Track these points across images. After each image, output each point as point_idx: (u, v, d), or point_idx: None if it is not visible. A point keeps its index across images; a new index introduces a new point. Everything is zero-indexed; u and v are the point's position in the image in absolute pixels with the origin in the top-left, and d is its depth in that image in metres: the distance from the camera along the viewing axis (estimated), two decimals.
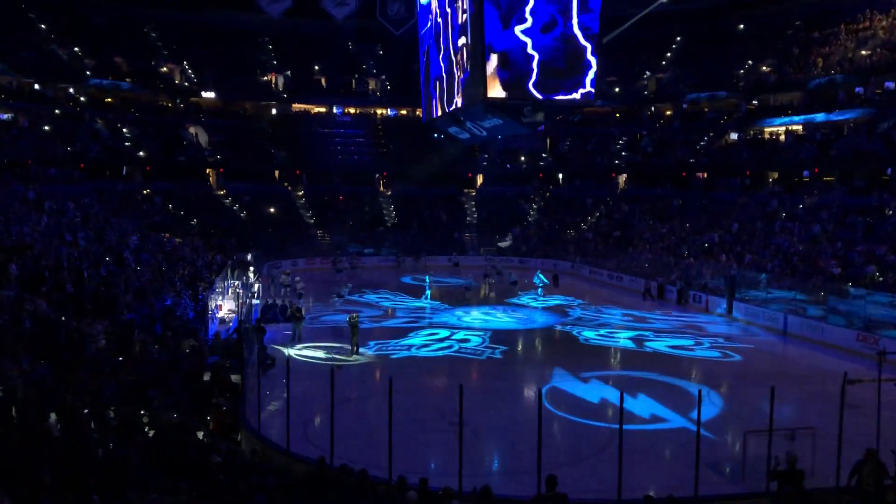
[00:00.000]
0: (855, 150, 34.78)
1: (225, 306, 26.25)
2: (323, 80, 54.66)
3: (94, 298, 18.49)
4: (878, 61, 37.39)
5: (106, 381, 13.15)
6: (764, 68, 45.34)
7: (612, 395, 17.31)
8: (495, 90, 19.50)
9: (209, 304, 24.13)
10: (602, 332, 26.19)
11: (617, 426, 10.91)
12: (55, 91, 44.21)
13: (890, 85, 37.31)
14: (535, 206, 52.34)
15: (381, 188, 52.95)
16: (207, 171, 49.03)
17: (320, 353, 22.10)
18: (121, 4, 48.99)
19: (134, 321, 18.10)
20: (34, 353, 13.48)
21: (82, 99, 45.64)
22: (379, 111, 56.06)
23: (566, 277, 39.96)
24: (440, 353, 22.65)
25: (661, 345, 24.14)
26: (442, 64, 24.88)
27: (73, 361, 13.59)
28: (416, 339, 24.36)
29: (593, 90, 19.71)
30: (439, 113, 26.38)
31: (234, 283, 30.04)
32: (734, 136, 45.04)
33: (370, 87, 55.27)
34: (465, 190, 53.63)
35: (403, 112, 55.22)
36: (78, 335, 15.01)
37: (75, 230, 27.22)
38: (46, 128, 40.50)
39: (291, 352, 21.41)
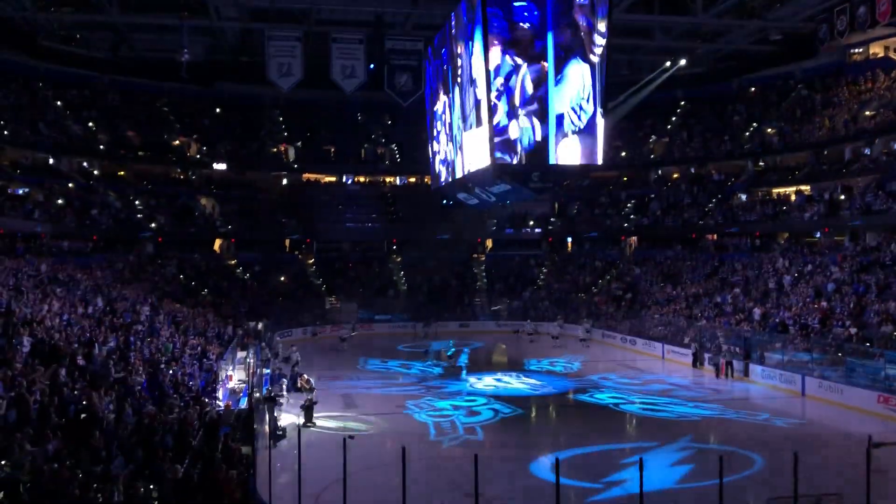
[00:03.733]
0: (864, 209, 34.79)
1: (235, 376, 26.05)
2: (332, 150, 55.42)
3: (105, 370, 18.38)
4: (882, 122, 37.69)
5: (115, 454, 12.96)
6: (769, 130, 45.77)
7: (631, 460, 16.92)
8: (503, 157, 19.81)
9: (220, 374, 23.96)
10: (615, 396, 25.82)
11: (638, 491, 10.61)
12: (69, 165, 44.94)
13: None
14: (544, 270, 52.29)
15: (391, 255, 53.11)
16: (218, 241, 49.34)
17: (332, 423, 21.80)
18: (134, 80, 50.17)
19: (144, 392, 17.95)
20: (43, 428, 13.33)
21: (95, 172, 46.36)
22: (388, 179, 56.64)
23: (571, 342, 39.56)
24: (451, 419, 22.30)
25: (679, 408, 23.73)
26: (451, 133, 25.29)
27: (82, 436, 13.42)
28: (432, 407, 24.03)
29: (600, 155, 20.05)
30: (448, 180, 26.74)
31: (244, 353, 29.87)
32: (742, 197, 45.19)
33: (379, 156, 55.98)
34: (475, 255, 53.71)
35: (412, 180, 55.76)
36: (88, 408, 14.86)
37: (87, 302, 27.27)
38: (60, 201, 41.01)
39: (303, 422, 21.12)
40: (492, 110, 18.78)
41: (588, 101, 19.18)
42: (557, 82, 18.89)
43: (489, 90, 18.59)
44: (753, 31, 42.86)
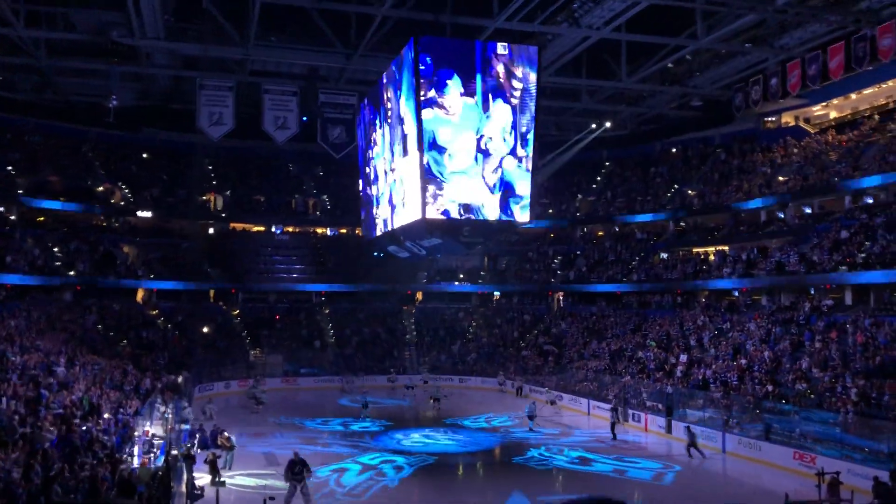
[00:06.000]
0: (779, 269, 36.20)
1: (152, 432, 25.07)
2: (262, 200, 54.90)
3: (11, 425, 17.47)
4: (794, 187, 39.57)
5: None
6: (689, 191, 47.51)
7: None
8: (434, 212, 20.10)
9: (136, 429, 23.08)
10: (544, 451, 25.85)
11: None
12: None
13: (807, 209, 39.42)
14: (474, 323, 52.48)
15: (320, 306, 52.46)
16: (140, 290, 47.87)
17: (251, 482, 21.15)
18: (58, 123, 48.92)
19: (54, 449, 17.09)
20: None
21: (13, 218, 44.66)
22: (319, 230, 56.32)
23: (507, 397, 39.55)
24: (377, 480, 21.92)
25: (604, 466, 23.88)
26: (383, 186, 25.50)
27: None
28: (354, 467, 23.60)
29: (528, 213, 20.57)
30: (379, 232, 26.84)
31: (162, 408, 28.85)
32: (664, 255, 46.55)
33: (310, 207, 55.70)
34: (405, 307, 53.56)
35: (343, 231, 55.59)
36: None
37: None
38: None
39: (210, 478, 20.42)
40: (420, 143, 19.48)
41: (510, 135, 20.36)
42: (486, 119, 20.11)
43: (420, 124, 19.32)
44: (675, 96, 44.84)
